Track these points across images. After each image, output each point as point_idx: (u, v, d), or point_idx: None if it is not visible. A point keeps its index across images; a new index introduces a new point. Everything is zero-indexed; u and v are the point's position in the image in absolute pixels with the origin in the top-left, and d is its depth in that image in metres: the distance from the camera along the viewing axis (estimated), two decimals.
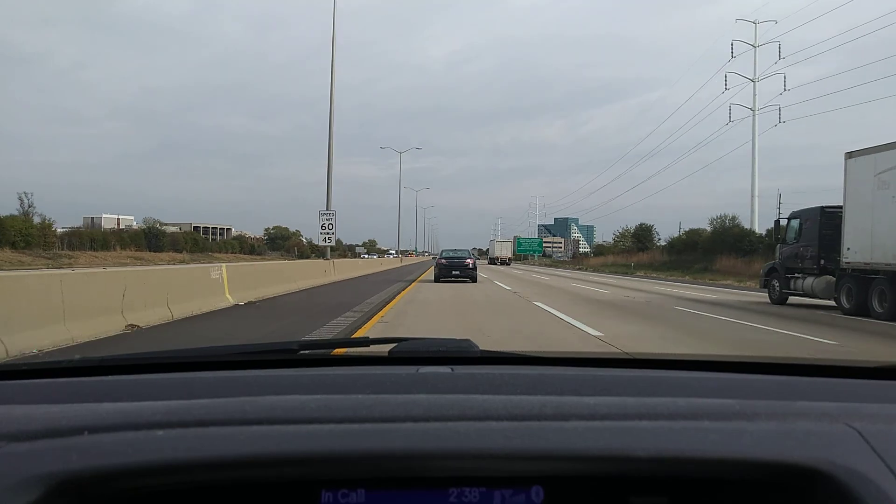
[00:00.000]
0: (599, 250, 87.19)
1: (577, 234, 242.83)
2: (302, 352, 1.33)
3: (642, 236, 68.85)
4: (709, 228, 52.09)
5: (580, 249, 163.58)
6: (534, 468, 0.79)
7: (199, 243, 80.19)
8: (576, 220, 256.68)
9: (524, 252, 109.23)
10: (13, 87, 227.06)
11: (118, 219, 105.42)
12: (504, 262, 70.63)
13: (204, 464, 0.74)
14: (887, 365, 1.25)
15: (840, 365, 1.31)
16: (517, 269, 49.12)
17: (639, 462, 0.77)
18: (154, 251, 66.26)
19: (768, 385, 1.15)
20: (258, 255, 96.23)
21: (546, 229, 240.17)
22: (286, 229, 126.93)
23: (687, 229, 55.55)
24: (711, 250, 44.80)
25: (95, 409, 0.87)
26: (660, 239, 68.99)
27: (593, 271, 52.00)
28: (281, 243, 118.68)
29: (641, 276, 39.12)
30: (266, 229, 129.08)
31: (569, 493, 0.81)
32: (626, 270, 47.45)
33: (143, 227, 75.06)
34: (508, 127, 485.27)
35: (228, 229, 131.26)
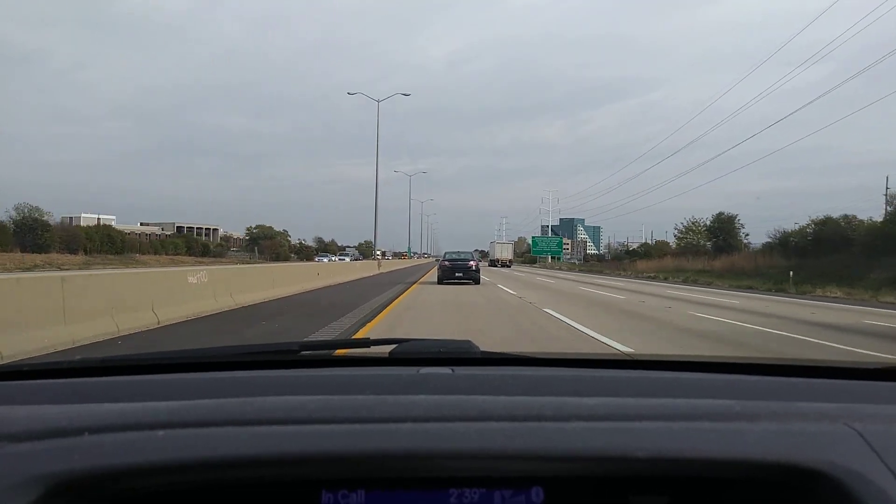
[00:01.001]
0: (648, 251, 68.21)
1: (583, 235, 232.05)
2: (303, 353, 1.33)
3: (724, 231, 48.12)
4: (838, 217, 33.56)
5: (588, 251, 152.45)
6: (534, 469, 0.79)
7: (116, 241, 59.16)
8: (581, 221, 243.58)
9: (540, 253, 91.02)
10: (12, 87, 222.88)
11: (98, 218, 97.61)
12: (504, 265, 67.43)
13: (205, 464, 0.74)
14: (887, 366, 1.25)
15: (840, 366, 1.30)
16: (559, 279, 33.01)
17: (639, 462, 0.77)
18: (30, 251, 47.14)
19: (768, 386, 1.15)
20: (214, 257, 77.33)
21: (551, 230, 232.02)
22: (270, 228, 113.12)
23: (818, 217, 36.55)
24: (884, 250, 25.97)
25: (96, 409, 0.87)
26: (747, 235, 49.62)
27: (687, 282, 32.37)
28: (264, 244, 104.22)
29: (831, 298, 19.94)
30: (248, 228, 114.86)
31: (568, 493, 0.81)
32: (772, 286, 25.63)
33: (15, 216, 52.70)
34: (509, 127, 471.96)
35: (216, 229, 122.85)
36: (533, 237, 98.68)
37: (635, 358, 1.54)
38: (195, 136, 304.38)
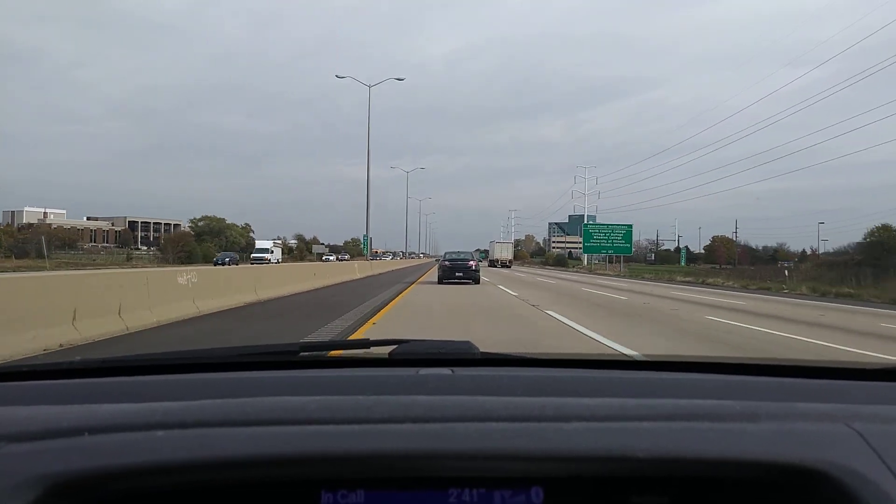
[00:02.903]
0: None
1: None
2: (302, 353, 1.33)
3: None
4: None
5: None
6: (534, 469, 0.79)
7: None
8: (593, 218, 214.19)
9: (596, 250, 57.96)
10: (12, 87, 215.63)
11: (45, 212, 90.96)
12: (504, 265, 66.18)
13: (204, 464, 0.74)
14: (887, 366, 1.25)
15: (840, 366, 1.31)
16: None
17: (639, 463, 0.77)
18: None
19: (768, 386, 1.15)
20: (22, 258, 43.77)
21: (559, 227, 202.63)
22: (221, 220, 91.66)
23: None
24: None
25: (96, 410, 0.87)
26: None
27: None
28: (208, 240, 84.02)
29: None
30: (193, 220, 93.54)
31: (568, 493, 0.81)
32: None
33: None
34: (509, 126, 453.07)
35: (177, 224, 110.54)
36: (585, 225, 61.93)
37: (636, 359, 1.55)
38: (193, 136, 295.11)
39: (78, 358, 1.27)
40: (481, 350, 1.33)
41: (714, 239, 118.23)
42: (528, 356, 1.38)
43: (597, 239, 58.17)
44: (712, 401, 0.94)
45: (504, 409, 0.85)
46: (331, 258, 62.31)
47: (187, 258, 57.77)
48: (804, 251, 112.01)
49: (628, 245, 58.68)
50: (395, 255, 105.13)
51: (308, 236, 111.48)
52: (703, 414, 0.86)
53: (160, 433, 0.78)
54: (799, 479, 0.76)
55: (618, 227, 58.81)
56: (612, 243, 57.93)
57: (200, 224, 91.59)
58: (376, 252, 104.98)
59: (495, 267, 62.82)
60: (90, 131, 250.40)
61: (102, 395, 1.00)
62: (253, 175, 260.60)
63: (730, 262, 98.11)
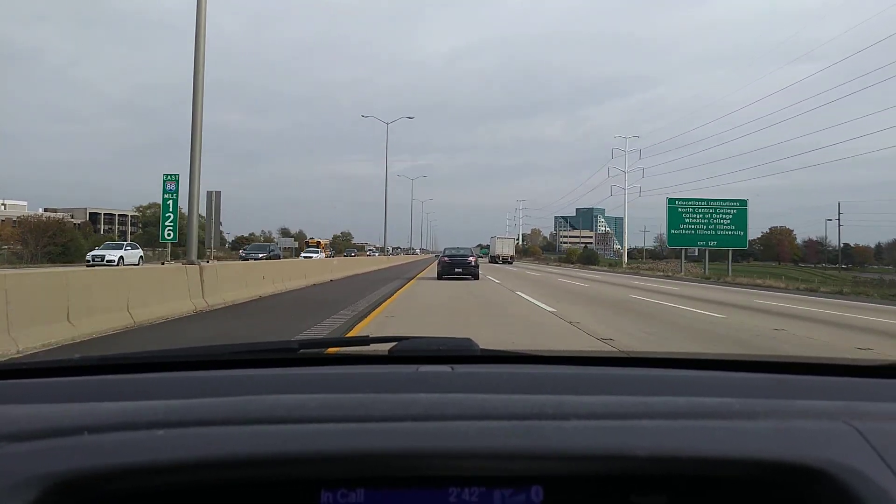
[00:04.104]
0: None
1: (604, 228, 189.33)
2: (302, 351, 1.33)
3: None
4: None
5: (614, 245, 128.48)
6: (533, 467, 0.79)
7: None
8: (602, 211, 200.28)
9: (690, 242, 37.63)
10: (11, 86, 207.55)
11: (4, 204, 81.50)
12: (506, 261, 65.18)
13: (204, 463, 0.74)
14: (887, 364, 1.25)
15: (840, 363, 1.30)
16: None
17: (638, 461, 0.77)
18: None
19: (768, 384, 1.15)
20: None
21: (566, 221, 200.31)
22: None
23: None
24: None
25: (95, 408, 0.86)
26: None
27: None
28: (153, 231, 63.17)
29: None
30: (139, 208, 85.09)
31: (568, 492, 0.81)
32: None
33: None
34: (508, 124, 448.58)
35: None
36: (671, 200, 38.86)
37: (635, 356, 1.55)
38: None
39: (77, 356, 1.25)
40: (481, 347, 1.32)
41: (773, 231, 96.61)
42: (528, 353, 1.37)
43: (690, 223, 37.19)
44: (712, 398, 0.93)
45: (504, 407, 0.85)
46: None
47: (61, 254, 38.28)
48: (879, 245, 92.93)
49: (742, 233, 37.98)
50: (381, 251, 69.77)
51: (308, 233, 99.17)
52: (702, 412, 0.86)
53: (160, 432, 0.77)
54: (798, 478, 0.75)
55: (724, 203, 37.48)
56: (716, 231, 37.37)
57: (149, 213, 78.61)
58: (314, 243, 67.12)
59: (496, 263, 61.50)
60: (89, 130, 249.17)
61: (102, 393, 0.99)
62: (252, 173, 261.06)
63: (794, 259, 76.33)
